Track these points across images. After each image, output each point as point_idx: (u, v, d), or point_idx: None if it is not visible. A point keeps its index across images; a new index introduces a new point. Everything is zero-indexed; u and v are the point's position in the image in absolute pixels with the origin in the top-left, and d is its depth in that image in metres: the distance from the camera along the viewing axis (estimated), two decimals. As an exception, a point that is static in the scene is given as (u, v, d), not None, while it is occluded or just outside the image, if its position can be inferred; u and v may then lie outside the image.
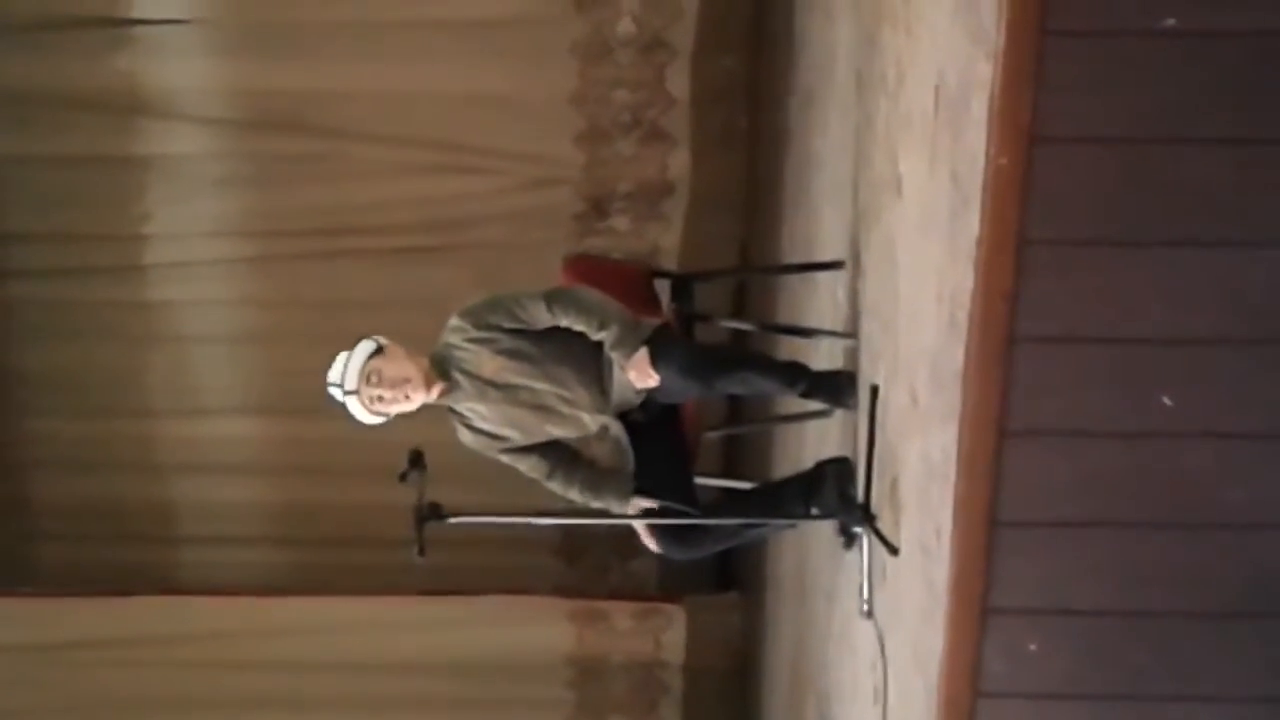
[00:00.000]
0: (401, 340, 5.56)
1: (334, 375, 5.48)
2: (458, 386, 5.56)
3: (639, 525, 5.72)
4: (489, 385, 5.54)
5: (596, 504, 5.75)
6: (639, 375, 5.46)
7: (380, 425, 5.61)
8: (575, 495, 5.77)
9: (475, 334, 5.51)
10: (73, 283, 9.08)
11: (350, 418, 5.56)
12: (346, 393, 5.46)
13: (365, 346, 5.48)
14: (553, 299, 5.50)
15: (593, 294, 5.56)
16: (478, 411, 5.61)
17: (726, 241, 8.99)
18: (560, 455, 5.75)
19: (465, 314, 5.55)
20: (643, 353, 5.44)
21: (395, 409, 5.51)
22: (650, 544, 5.73)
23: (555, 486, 5.76)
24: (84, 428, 9.32)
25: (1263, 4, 3.65)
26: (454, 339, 5.55)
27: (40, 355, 9.21)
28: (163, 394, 9.35)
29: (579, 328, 5.48)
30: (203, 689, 9.06)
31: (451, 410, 5.67)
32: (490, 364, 5.51)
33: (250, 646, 9.09)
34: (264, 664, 9.08)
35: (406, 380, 5.46)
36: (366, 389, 5.45)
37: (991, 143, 3.81)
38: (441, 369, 5.54)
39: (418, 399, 5.50)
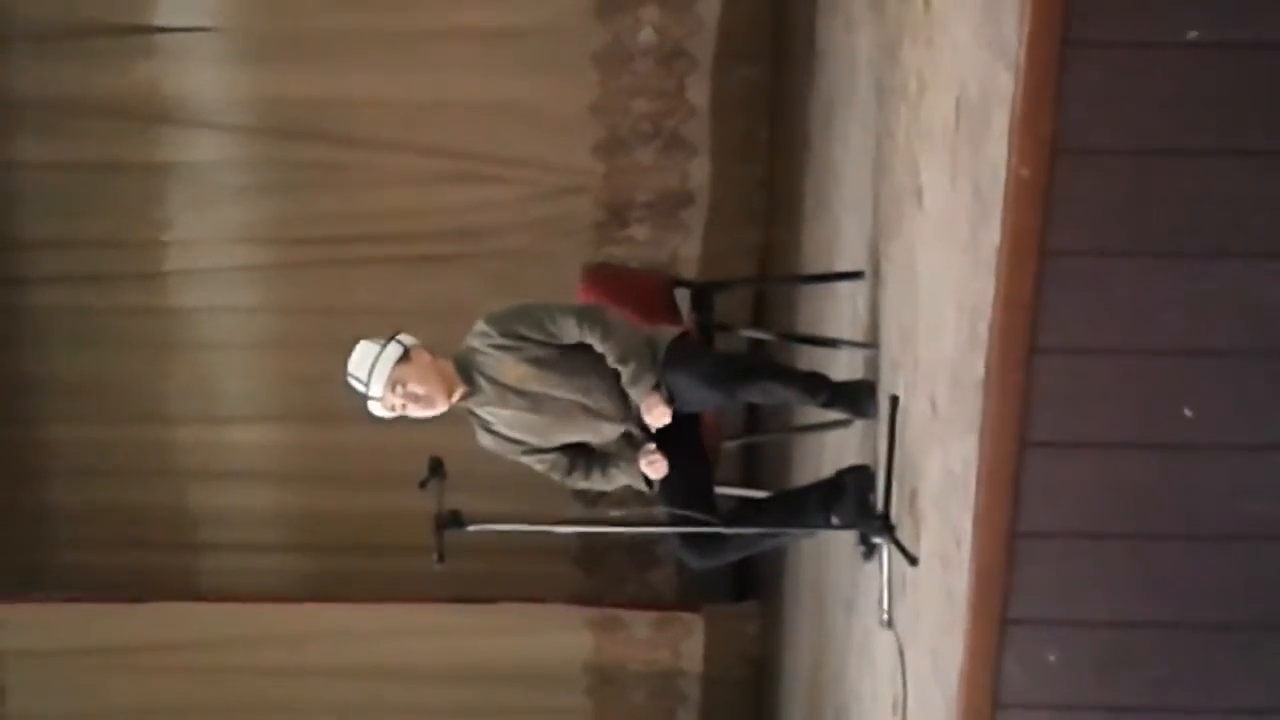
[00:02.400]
0: (422, 347, 5.56)
1: (357, 369, 5.48)
2: (479, 390, 5.56)
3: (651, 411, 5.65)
4: (511, 391, 5.54)
5: (618, 481, 5.75)
6: (654, 415, 5.47)
7: (399, 431, 5.63)
8: (597, 483, 5.77)
9: (501, 341, 5.51)
10: (93, 289, 9.10)
11: (364, 409, 5.58)
12: (370, 398, 5.48)
13: (393, 351, 5.47)
14: (584, 317, 5.50)
15: (624, 324, 5.57)
16: (498, 415, 5.61)
17: (746, 251, 8.99)
18: (577, 451, 5.76)
19: (492, 320, 5.56)
20: (657, 394, 5.45)
21: (415, 414, 5.52)
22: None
23: (574, 480, 5.77)
24: (103, 433, 9.34)
25: (1285, 16, 3.66)
26: (478, 343, 5.55)
27: (60, 361, 9.23)
28: (182, 400, 9.37)
29: (600, 350, 5.48)
30: (220, 695, 9.08)
31: (471, 412, 5.67)
32: (514, 371, 5.51)
33: (267, 653, 9.10)
34: (281, 670, 9.09)
35: (430, 396, 5.48)
36: (390, 397, 5.46)
37: (1012, 154, 3.81)
38: (464, 371, 5.55)
39: (440, 408, 5.52)
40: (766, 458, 8.46)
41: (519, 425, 5.63)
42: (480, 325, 5.58)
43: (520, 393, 5.54)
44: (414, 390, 5.46)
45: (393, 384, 5.45)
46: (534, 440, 5.67)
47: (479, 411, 5.65)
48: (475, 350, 5.57)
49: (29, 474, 9.34)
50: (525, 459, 5.76)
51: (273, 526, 9.56)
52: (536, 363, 5.52)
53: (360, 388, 5.49)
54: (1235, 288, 3.84)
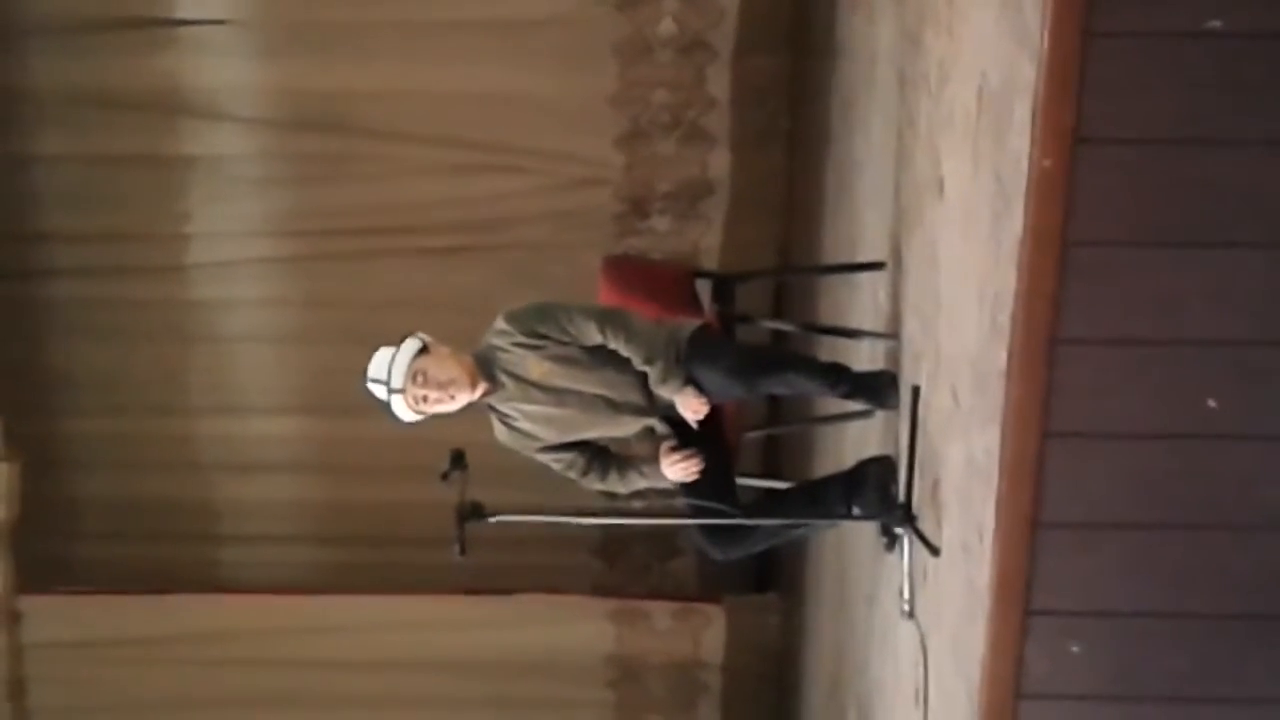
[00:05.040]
0: (442, 340, 5.56)
1: (377, 371, 5.47)
2: (502, 386, 5.56)
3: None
4: (535, 387, 5.54)
5: (636, 485, 5.75)
6: (691, 410, 5.47)
7: (420, 424, 5.61)
8: (614, 485, 5.77)
9: (523, 340, 5.51)
10: (114, 282, 9.12)
11: (387, 413, 5.55)
12: (392, 391, 5.46)
13: (411, 345, 5.47)
14: (605, 322, 5.49)
15: (645, 324, 5.56)
16: (521, 411, 5.61)
17: (767, 242, 8.98)
18: (594, 451, 5.75)
19: (512, 319, 5.55)
20: (690, 388, 5.45)
21: (438, 409, 5.51)
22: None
23: (591, 481, 5.76)
24: (125, 426, 9.35)
25: (1308, 5, 3.65)
26: (499, 341, 5.55)
27: (82, 354, 9.25)
28: (203, 393, 9.38)
29: (625, 354, 5.48)
30: (242, 687, 9.09)
31: (491, 408, 5.67)
32: (537, 368, 5.51)
33: (290, 644, 9.12)
34: (303, 662, 9.10)
35: (452, 381, 5.46)
36: (412, 388, 5.44)
37: (1034, 144, 3.81)
38: (486, 369, 5.54)
39: (462, 400, 5.50)
40: (788, 449, 8.46)
41: (541, 420, 5.63)
42: (500, 324, 5.57)
43: (544, 388, 5.54)
44: (436, 377, 5.45)
45: (414, 374, 5.44)
46: (553, 436, 5.67)
47: (500, 407, 5.64)
48: (496, 348, 5.56)
49: (51, 467, 9.34)
50: (542, 456, 5.75)
51: (295, 519, 9.58)
52: (560, 360, 5.51)
53: (380, 390, 5.47)
54: (1258, 277, 3.85)
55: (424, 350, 5.48)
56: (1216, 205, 3.80)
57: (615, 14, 8.53)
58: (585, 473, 5.75)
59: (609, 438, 5.74)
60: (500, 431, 5.72)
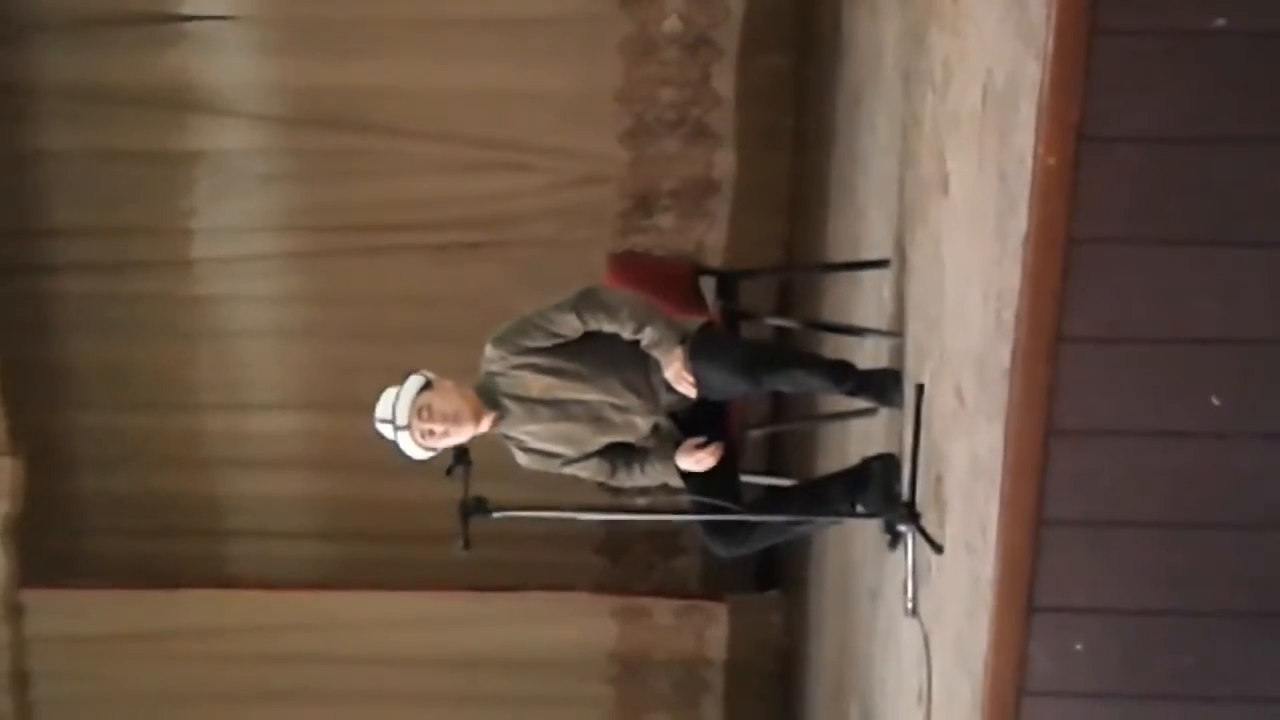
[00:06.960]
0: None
1: (383, 411, 5.52)
2: (508, 413, 5.59)
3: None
4: (539, 404, 5.57)
5: (658, 479, 5.77)
6: (676, 374, 5.48)
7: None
8: (640, 479, 5.79)
9: (516, 360, 5.55)
10: (120, 277, 9.11)
11: (396, 452, 5.60)
12: (398, 428, 5.50)
13: (415, 381, 5.52)
14: (580, 306, 5.51)
15: (619, 293, 5.58)
16: (531, 432, 5.65)
17: (771, 240, 8.98)
18: (618, 451, 5.77)
19: (499, 342, 5.59)
20: (679, 351, 5.45)
21: (446, 443, 5.54)
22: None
23: (622, 479, 5.80)
24: (131, 422, 9.35)
25: (1314, 4, 3.65)
26: (495, 367, 5.59)
27: (88, 349, 9.25)
28: (209, 388, 9.38)
29: (611, 329, 5.49)
30: (248, 682, 9.09)
31: (506, 436, 5.70)
32: (537, 384, 5.55)
33: (295, 640, 9.12)
34: (307, 657, 9.10)
35: (457, 414, 5.49)
36: (418, 424, 5.48)
37: (1039, 142, 3.81)
38: (489, 398, 5.58)
39: (468, 431, 5.53)
40: (792, 446, 8.46)
41: (552, 437, 5.66)
42: (490, 351, 5.61)
43: (548, 403, 5.58)
44: (441, 410, 5.48)
45: (419, 410, 5.48)
46: (570, 450, 5.70)
47: (513, 433, 5.70)
48: (494, 374, 5.61)
49: (55, 461, 9.35)
50: (568, 469, 5.79)
51: (300, 514, 9.57)
52: (556, 372, 5.55)
53: (388, 429, 5.53)
54: (1264, 275, 3.85)
55: (428, 386, 5.52)
56: (1221, 203, 3.80)
57: (621, 11, 8.53)
58: (614, 473, 5.79)
59: (622, 441, 5.76)
60: (521, 458, 5.78)
